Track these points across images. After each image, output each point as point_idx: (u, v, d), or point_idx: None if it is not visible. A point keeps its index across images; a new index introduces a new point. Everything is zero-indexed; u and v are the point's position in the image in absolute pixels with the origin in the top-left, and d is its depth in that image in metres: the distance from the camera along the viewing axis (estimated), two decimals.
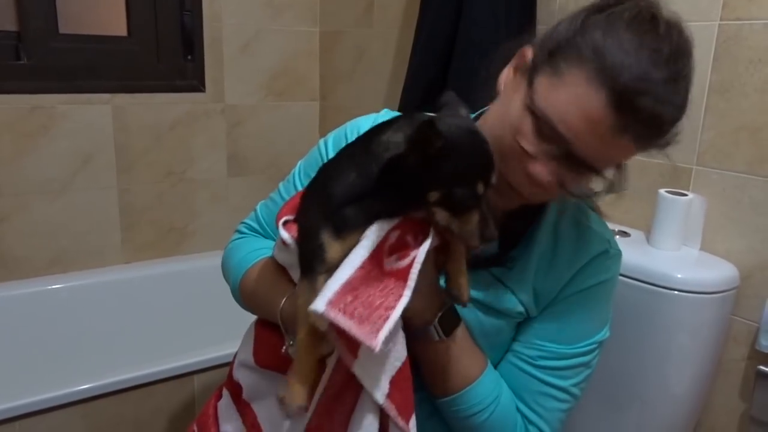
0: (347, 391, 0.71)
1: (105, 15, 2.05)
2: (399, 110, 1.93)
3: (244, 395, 0.89)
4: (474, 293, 0.82)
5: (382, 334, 0.61)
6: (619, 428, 1.32)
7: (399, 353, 0.69)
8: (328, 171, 0.74)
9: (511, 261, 0.83)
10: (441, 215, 0.66)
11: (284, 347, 0.80)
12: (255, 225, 1.03)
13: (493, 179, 0.67)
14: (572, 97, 0.66)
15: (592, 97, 0.64)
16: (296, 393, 0.68)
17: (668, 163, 1.41)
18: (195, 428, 0.96)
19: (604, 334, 0.87)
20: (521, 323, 0.86)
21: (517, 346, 0.86)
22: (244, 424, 0.88)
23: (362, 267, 0.65)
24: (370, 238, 0.67)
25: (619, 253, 0.88)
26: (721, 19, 1.30)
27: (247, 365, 0.90)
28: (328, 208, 0.68)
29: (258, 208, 1.04)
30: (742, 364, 1.32)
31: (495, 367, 0.86)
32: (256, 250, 0.95)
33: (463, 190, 0.64)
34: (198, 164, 2.16)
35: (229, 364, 0.95)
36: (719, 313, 1.26)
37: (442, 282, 0.79)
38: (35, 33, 1.86)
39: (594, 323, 0.86)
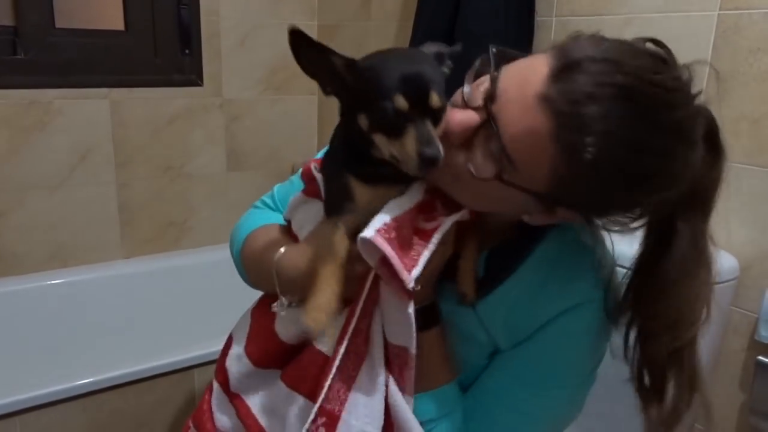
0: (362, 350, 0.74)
1: (101, 9, 2.04)
2: None
3: (233, 387, 0.89)
4: (443, 307, 0.79)
5: (415, 272, 0.67)
6: (618, 415, 1.31)
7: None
8: (337, 131, 0.78)
9: (492, 289, 0.76)
10: (380, 140, 0.67)
11: (273, 305, 0.81)
12: (270, 202, 1.03)
13: (430, 99, 0.64)
14: (528, 63, 0.67)
15: (536, 62, 0.65)
16: (319, 319, 0.69)
17: None
18: (191, 424, 0.96)
19: (575, 395, 0.78)
20: (494, 354, 0.80)
21: (486, 377, 0.80)
22: (237, 417, 0.87)
23: (408, 212, 0.69)
24: (415, 191, 0.72)
25: (599, 301, 0.76)
26: (720, 9, 1.30)
27: (239, 357, 0.89)
28: (347, 160, 0.73)
29: (275, 188, 1.05)
30: (742, 355, 1.32)
31: (469, 383, 0.81)
32: (265, 219, 0.96)
33: (385, 105, 0.63)
34: (196, 159, 2.16)
35: (219, 357, 0.95)
36: (719, 304, 1.26)
37: None
38: (32, 28, 1.85)
39: (565, 372, 0.77)
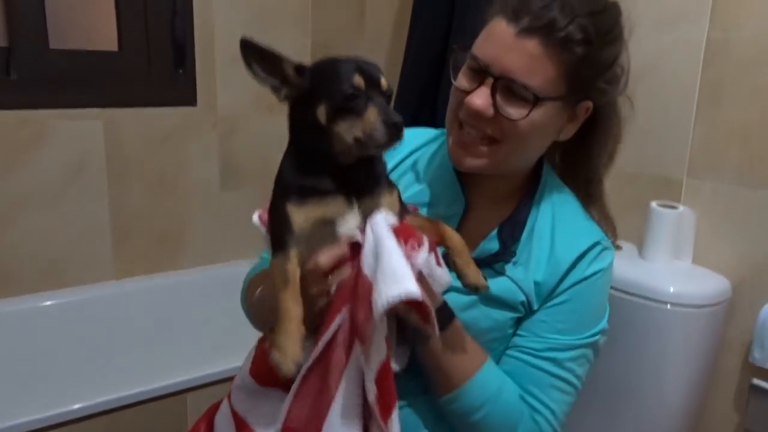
0: (331, 378, 0.72)
1: (96, 29, 2.04)
2: None
3: (241, 413, 0.89)
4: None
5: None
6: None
7: (380, 352, 0.70)
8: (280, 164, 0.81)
9: (513, 254, 0.87)
10: (341, 127, 0.70)
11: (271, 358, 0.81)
12: None
13: (381, 81, 0.71)
14: (486, 33, 0.83)
15: (496, 25, 0.81)
16: (290, 350, 0.68)
17: (659, 174, 1.40)
18: None
19: (604, 324, 0.90)
20: (522, 319, 0.88)
21: (520, 341, 0.88)
22: None
23: (400, 247, 0.70)
24: (383, 227, 0.71)
25: (611, 246, 0.93)
26: (709, 29, 1.30)
27: (244, 382, 0.89)
28: (284, 186, 0.75)
29: None
30: (736, 376, 1.31)
31: (498, 361, 0.88)
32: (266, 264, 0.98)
33: (344, 88, 0.69)
34: (190, 176, 2.15)
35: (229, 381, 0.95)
36: (712, 326, 1.26)
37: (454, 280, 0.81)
38: (25, 48, 1.85)
39: (594, 313, 0.89)
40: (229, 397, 0.93)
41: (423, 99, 1.77)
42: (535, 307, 0.87)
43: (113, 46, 2.03)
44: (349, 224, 0.73)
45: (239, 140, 2.22)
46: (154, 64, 2.05)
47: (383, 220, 0.72)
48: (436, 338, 0.75)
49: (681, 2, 1.34)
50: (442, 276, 0.79)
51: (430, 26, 1.72)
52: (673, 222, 1.32)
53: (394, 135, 0.69)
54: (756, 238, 1.26)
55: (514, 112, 0.81)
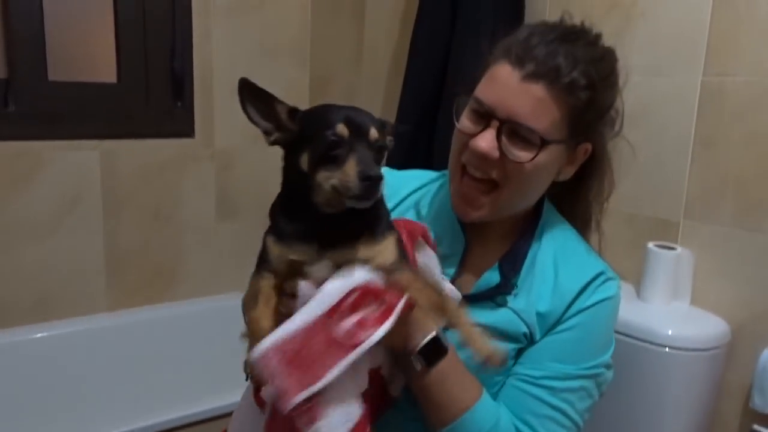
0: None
1: (95, 61, 2.05)
2: (386, 161, 1.94)
3: None
4: (480, 320, 0.82)
5: (298, 398, 0.65)
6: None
7: (351, 414, 0.69)
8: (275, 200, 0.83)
9: (514, 287, 0.88)
10: (321, 175, 0.69)
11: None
12: None
13: (369, 132, 0.70)
14: (489, 77, 0.85)
15: (500, 69, 0.83)
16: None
17: (657, 215, 1.41)
18: None
19: (607, 358, 0.89)
20: (523, 349, 0.88)
21: (519, 368, 0.87)
22: None
23: (313, 325, 0.67)
24: (329, 295, 0.69)
25: (616, 277, 0.92)
26: (703, 74, 1.32)
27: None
28: (271, 220, 0.77)
29: None
30: (737, 422, 1.30)
31: (498, 392, 0.87)
32: None
33: (326, 135, 0.68)
34: (186, 208, 2.15)
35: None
36: (711, 370, 1.25)
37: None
38: (24, 80, 1.86)
39: (596, 344, 0.88)
40: None
41: (419, 137, 1.78)
42: (538, 337, 0.87)
43: (112, 78, 2.04)
44: (317, 273, 0.72)
45: (236, 173, 2.22)
46: (152, 96, 2.06)
47: (334, 287, 0.69)
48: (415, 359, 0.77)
49: (676, 48, 1.36)
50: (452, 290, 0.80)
51: (427, 66, 1.74)
52: (671, 263, 1.32)
53: (368, 189, 0.67)
54: (754, 281, 1.26)
55: (520, 154, 0.82)
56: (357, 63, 2.17)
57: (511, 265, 0.88)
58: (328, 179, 0.69)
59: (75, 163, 1.92)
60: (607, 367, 0.89)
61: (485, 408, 0.82)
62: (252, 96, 0.72)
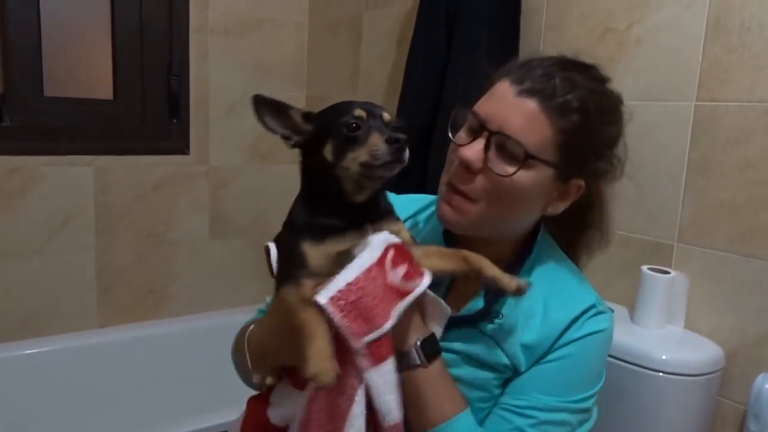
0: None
1: (91, 78, 2.06)
2: None
3: None
4: (462, 347, 0.86)
5: (368, 338, 0.69)
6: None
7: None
8: (294, 204, 0.84)
9: (497, 315, 0.86)
10: (348, 159, 0.74)
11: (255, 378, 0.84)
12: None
13: (383, 114, 0.76)
14: (489, 93, 0.86)
15: (499, 86, 0.84)
16: (324, 366, 0.67)
17: (650, 239, 1.41)
18: None
19: (592, 395, 0.87)
20: (510, 379, 0.87)
21: (504, 398, 0.86)
22: None
23: (369, 270, 0.72)
24: (375, 247, 0.74)
25: (609, 311, 0.90)
26: (697, 100, 1.33)
27: None
28: (297, 226, 0.78)
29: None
30: None
31: (482, 419, 0.86)
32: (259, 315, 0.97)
33: (347, 121, 0.74)
34: (180, 226, 2.14)
35: None
36: (705, 395, 1.24)
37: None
38: (20, 95, 1.86)
39: (585, 378, 0.86)
40: None
41: (414, 157, 1.78)
42: (523, 369, 0.85)
43: (109, 95, 2.04)
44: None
45: (230, 191, 2.22)
46: (148, 113, 2.07)
47: (379, 239, 0.75)
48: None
49: (670, 73, 1.37)
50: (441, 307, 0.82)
51: (423, 86, 1.75)
52: (665, 286, 1.31)
53: (397, 151, 0.72)
54: (748, 306, 1.26)
55: (503, 167, 0.81)
56: (353, 82, 2.18)
57: (495, 292, 0.86)
58: (355, 160, 0.73)
59: (69, 178, 1.92)
60: (593, 398, 0.87)
61: (465, 423, 0.82)
62: (267, 108, 0.77)
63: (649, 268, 1.34)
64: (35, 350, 1.89)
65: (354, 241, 0.75)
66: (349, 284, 0.70)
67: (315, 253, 0.74)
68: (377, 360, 0.71)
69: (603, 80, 0.86)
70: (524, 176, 0.81)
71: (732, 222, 1.28)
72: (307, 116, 0.79)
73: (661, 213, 1.39)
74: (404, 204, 1.00)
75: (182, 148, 2.11)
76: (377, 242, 0.74)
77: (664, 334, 1.31)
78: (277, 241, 0.81)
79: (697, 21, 1.32)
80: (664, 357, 1.20)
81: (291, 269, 0.75)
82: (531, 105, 0.80)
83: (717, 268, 1.30)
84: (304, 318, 0.70)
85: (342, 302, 0.69)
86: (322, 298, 0.68)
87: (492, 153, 0.82)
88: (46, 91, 1.92)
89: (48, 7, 1.88)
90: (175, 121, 2.09)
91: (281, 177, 2.29)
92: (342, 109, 0.76)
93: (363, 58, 2.16)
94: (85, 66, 2.05)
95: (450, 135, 0.89)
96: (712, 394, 1.25)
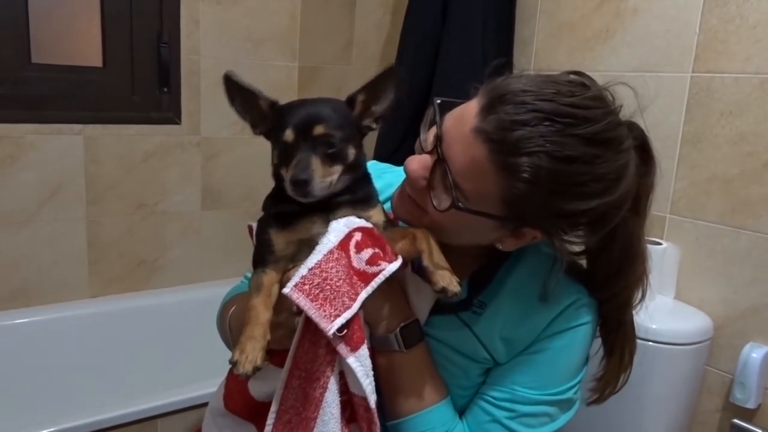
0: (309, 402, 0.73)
1: (80, 45, 2.02)
2: (375, 152, 1.93)
3: None
4: (442, 335, 0.84)
5: (338, 321, 0.68)
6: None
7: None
8: None
9: (479, 306, 0.84)
10: (283, 171, 0.75)
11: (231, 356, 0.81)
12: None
13: (313, 131, 0.74)
14: (462, 106, 0.76)
15: (471, 105, 0.74)
16: (251, 353, 0.69)
17: None
18: None
19: (574, 383, 0.85)
20: (491, 368, 0.85)
21: (485, 389, 0.85)
22: None
23: (330, 254, 0.72)
24: (337, 231, 0.74)
25: (591, 303, 0.85)
26: (692, 71, 1.33)
27: (218, 412, 0.88)
28: (267, 213, 0.80)
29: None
30: (717, 416, 1.31)
31: (463, 408, 0.85)
32: (243, 288, 0.96)
33: (280, 137, 0.75)
34: (171, 197, 2.12)
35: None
36: (693, 364, 1.26)
37: None
38: (6, 62, 1.82)
39: (564, 371, 0.84)
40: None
41: (407, 131, 1.77)
42: (502, 361, 0.84)
43: (98, 62, 2.00)
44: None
45: (222, 161, 2.20)
46: (138, 81, 2.03)
47: (340, 223, 0.75)
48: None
49: (666, 44, 1.36)
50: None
51: (417, 57, 1.73)
52: (656, 258, 1.32)
53: (297, 192, 0.73)
54: (738, 277, 1.27)
55: (440, 197, 0.74)
56: (347, 53, 2.15)
57: (478, 283, 0.84)
58: (287, 174, 0.74)
59: (58, 148, 1.89)
60: (574, 394, 0.84)
61: (443, 413, 0.81)
62: (238, 92, 0.77)
63: None
64: (26, 320, 1.88)
65: (317, 229, 0.76)
66: (311, 269, 0.70)
67: (279, 239, 0.76)
68: (354, 347, 0.72)
69: (589, 139, 0.70)
70: (458, 215, 0.73)
71: (724, 194, 1.29)
72: (272, 106, 0.79)
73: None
74: (400, 175, 0.96)
75: (173, 118, 2.08)
76: (337, 226, 0.74)
77: (655, 304, 1.33)
78: (257, 227, 0.82)
79: None
80: (654, 326, 1.21)
81: (259, 254, 0.78)
82: (481, 150, 0.70)
83: (708, 240, 1.31)
84: (251, 304, 0.72)
85: (306, 287, 0.69)
86: (287, 287, 0.69)
87: (436, 176, 0.75)
88: (34, 57, 1.88)
89: None
90: (165, 90, 2.06)
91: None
92: (284, 121, 0.75)
93: (357, 28, 2.14)
94: (74, 32, 2.01)
95: (420, 131, 0.80)
96: (700, 363, 1.27)
